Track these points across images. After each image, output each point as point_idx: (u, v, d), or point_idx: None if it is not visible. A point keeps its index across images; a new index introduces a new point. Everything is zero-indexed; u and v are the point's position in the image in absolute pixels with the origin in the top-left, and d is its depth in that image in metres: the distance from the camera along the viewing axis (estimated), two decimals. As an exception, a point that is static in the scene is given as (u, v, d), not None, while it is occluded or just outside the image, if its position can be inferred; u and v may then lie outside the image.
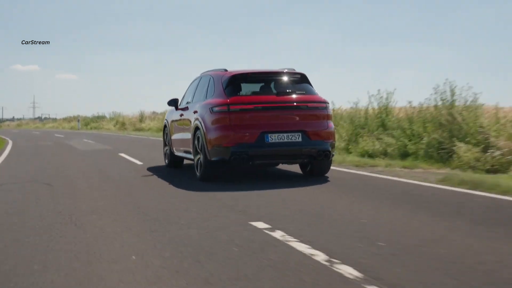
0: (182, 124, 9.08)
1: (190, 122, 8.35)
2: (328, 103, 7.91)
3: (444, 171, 9.03)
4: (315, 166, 8.01)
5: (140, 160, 11.57)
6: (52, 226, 4.84)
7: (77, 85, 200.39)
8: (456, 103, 10.94)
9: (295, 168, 9.17)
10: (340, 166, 9.68)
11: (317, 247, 3.88)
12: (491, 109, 11.17)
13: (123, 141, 21.07)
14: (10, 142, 21.65)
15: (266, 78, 8.18)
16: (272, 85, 8.10)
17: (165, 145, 10.52)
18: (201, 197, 6.36)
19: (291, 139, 7.35)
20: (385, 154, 11.45)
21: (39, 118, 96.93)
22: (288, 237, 4.20)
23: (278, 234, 4.31)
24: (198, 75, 9.49)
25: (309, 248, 3.86)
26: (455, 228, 4.50)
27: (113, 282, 3.24)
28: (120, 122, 39.71)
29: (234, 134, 7.25)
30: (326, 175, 8.19)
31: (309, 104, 7.64)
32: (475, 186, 6.68)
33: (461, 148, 9.57)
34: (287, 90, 7.78)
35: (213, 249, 3.91)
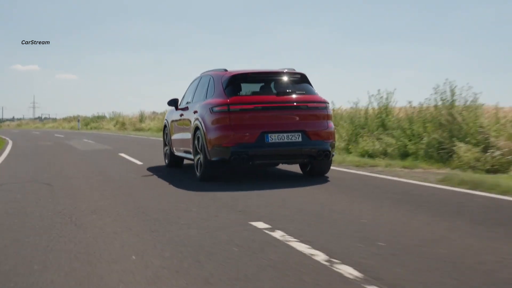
0: (182, 124, 9.06)
1: (190, 122, 8.34)
2: (328, 103, 7.91)
3: (444, 171, 9.02)
4: (315, 166, 8.01)
5: (140, 160, 11.57)
6: (52, 226, 4.84)
7: (77, 85, 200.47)
8: (456, 103, 10.94)
9: (295, 168, 9.17)
10: (340, 166, 9.68)
11: (317, 247, 3.88)
12: (491, 109, 11.17)
13: (123, 141, 21.08)
14: (10, 142, 21.65)
15: (266, 78, 8.17)
16: (272, 85, 8.10)
17: (165, 145, 10.51)
18: (201, 197, 6.36)
19: (291, 139, 7.34)
20: (385, 154, 11.45)
21: (39, 118, 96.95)
22: (288, 237, 4.20)
23: (278, 234, 4.31)
24: (198, 75, 9.49)
25: (309, 248, 3.86)
26: (455, 228, 4.50)
27: (113, 282, 3.24)
28: (120, 122, 39.72)
29: (234, 134, 7.26)
30: (326, 175, 8.19)
31: (309, 104, 7.64)
32: (475, 186, 6.68)
33: (461, 148, 9.57)
34: (287, 90, 7.78)
35: (213, 249, 3.91)
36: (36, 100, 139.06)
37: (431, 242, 4.03)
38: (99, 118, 49.18)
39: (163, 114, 33.43)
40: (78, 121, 48.64)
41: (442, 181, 7.33)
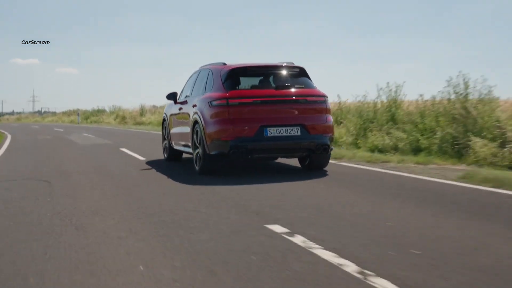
0: (181, 118, 9.00)
1: (189, 116, 8.28)
2: (327, 97, 7.83)
3: (460, 167, 8.65)
4: (314, 160, 7.96)
5: (142, 155, 11.18)
6: (51, 229, 4.45)
7: (77, 79, 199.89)
8: (470, 97, 10.55)
9: (294, 162, 8.78)
10: (351, 162, 9.29)
11: (344, 255, 3.49)
12: (503, 103, 10.78)
13: (123, 135, 20.67)
14: (9, 137, 21.25)
15: (265, 72, 8.12)
16: (271, 79, 8.04)
17: (164, 139, 10.37)
18: (209, 196, 5.96)
19: (290, 133, 7.31)
20: (395, 149, 11.05)
21: (39, 112, 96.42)
22: (310, 243, 3.81)
23: (298, 240, 3.92)
24: (197, 68, 9.35)
25: (336, 256, 3.47)
26: (494, 233, 4.10)
27: (119, 298, 2.85)
28: (121, 116, 39.26)
29: (233, 128, 7.21)
30: (340, 171, 7.83)
31: (308, 98, 7.60)
32: (500, 184, 6.28)
33: (477, 143, 9.18)
34: (286, 84, 7.72)
35: (229, 258, 3.52)
36: (36, 94, 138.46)
37: (471, 249, 3.64)
38: (99, 112, 48.69)
39: (163, 108, 32.89)
40: (78, 115, 48.14)
41: (463, 178, 6.94)
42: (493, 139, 9.21)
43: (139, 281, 3.10)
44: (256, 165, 8.91)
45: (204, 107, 7.62)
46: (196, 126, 7.80)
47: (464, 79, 10.60)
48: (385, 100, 13.11)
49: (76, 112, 51.99)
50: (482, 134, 9.42)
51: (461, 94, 10.62)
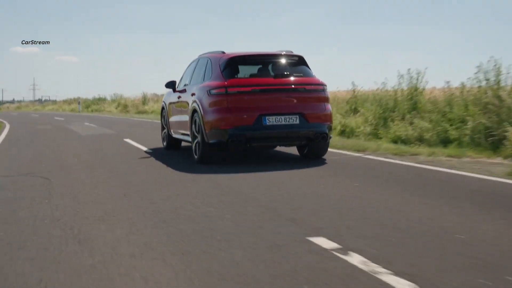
0: (180, 106, 8.96)
1: (188, 104, 8.24)
2: (326, 86, 7.82)
3: (497, 160, 7.90)
4: (312, 148, 7.96)
5: (148, 147, 10.40)
6: (48, 243, 3.67)
7: (78, 67, 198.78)
8: (502, 84, 9.74)
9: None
10: (377, 155, 8.49)
11: (423, 284, 2.71)
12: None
13: (126, 125, 19.86)
14: (7, 126, 20.45)
15: (264, 61, 8.10)
16: (270, 67, 8.03)
17: (163, 128, 10.32)
18: (232, 196, 5.18)
19: (288, 121, 7.30)
20: (420, 140, 10.25)
21: (39, 100, 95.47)
22: (373, 266, 3.03)
23: (356, 260, 3.15)
24: (196, 57, 9.25)
25: (415, 287, 2.69)
26: None
27: None
28: (122, 105, 38.36)
29: (232, 116, 7.19)
30: (370, 166, 7.08)
31: (307, 87, 7.59)
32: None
33: (515, 133, 8.39)
34: (285, 73, 7.68)
35: (275, 287, 2.75)
36: (36, 82, 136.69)
37: None
38: (100, 100, 47.71)
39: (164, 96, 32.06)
40: (79, 103, 47.15)
41: (511, 175, 6.17)
42: (532, 130, 8.43)
43: (163, 326, 2.33)
44: (264, 155, 8.34)
45: (203, 95, 7.57)
46: (195, 114, 7.74)
47: (495, 65, 9.80)
48: (405, 88, 12.32)
49: (76, 101, 50.98)
50: (520, 124, 8.64)
51: (492, 81, 9.83)
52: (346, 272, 2.95)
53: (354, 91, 14.66)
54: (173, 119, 9.48)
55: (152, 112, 30.76)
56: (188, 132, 8.19)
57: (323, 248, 3.40)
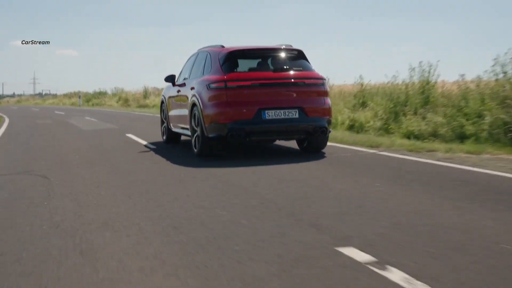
0: (179, 100, 8.95)
1: (187, 98, 8.22)
2: (325, 80, 7.85)
3: (517, 157, 7.50)
4: (312, 142, 7.93)
5: (152, 143, 10.00)
6: (46, 254, 3.29)
7: (78, 60, 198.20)
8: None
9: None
10: (392, 151, 8.09)
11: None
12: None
13: (128, 119, 19.45)
14: (7, 121, 20.04)
15: (263, 55, 8.10)
16: (269, 61, 8.03)
17: (162, 122, 10.28)
18: (245, 197, 4.79)
19: (288, 115, 7.29)
20: (434, 135, 9.84)
21: (40, 94, 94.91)
22: (417, 284, 2.65)
23: (397, 276, 2.76)
24: (195, 51, 9.23)
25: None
26: None
27: None
28: (123, 98, 37.91)
29: (231, 110, 7.18)
30: (388, 164, 6.69)
31: (306, 81, 7.57)
32: None
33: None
34: (284, 67, 7.67)
35: (309, 312, 2.36)
36: (36, 76, 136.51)
37: None
38: (101, 94, 47.21)
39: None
40: (79, 97, 46.66)
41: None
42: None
43: None
44: (271, 150, 7.97)
45: (202, 89, 7.55)
46: (194, 108, 7.71)
47: (513, 57, 9.40)
48: (416, 81, 11.91)
49: (77, 95, 50.47)
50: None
51: (511, 73, 9.43)
52: (389, 292, 2.57)
53: (362, 84, 14.24)
54: (172, 113, 9.44)
55: (153, 106, 30.32)
56: (188, 126, 8.15)
57: (356, 261, 3.01)
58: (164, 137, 10.11)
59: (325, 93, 7.71)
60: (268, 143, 9.19)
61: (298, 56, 7.94)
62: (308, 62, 7.95)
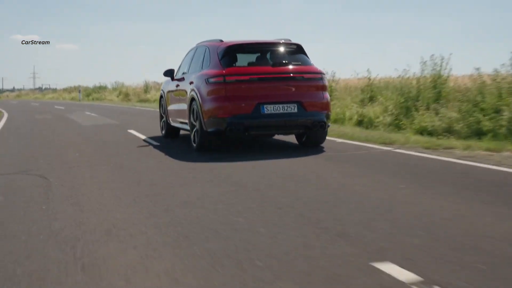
0: (178, 94, 8.89)
1: (186, 93, 8.17)
2: (324, 74, 7.80)
3: (539, 154, 7.12)
4: (310, 137, 7.90)
5: (154, 139, 9.62)
6: (44, 271, 2.90)
7: (78, 55, 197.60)
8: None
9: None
10: (408, 149, 7.70)
11: None
12: None
13: (129, 114, 19.06)
14: (5, 116, 19.64)
15: (262, 49, 8.12)
16: (268, 55, 8.03)
17: (161, 117, 10.22)
18: (260, 201, 4.40)
19: (287, 110, 7.27)
20: (448, 131, 9.44)
21: (39, 89, 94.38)
22: (476, 311, 2.26)
23: (450, 301, 2.38)
24: (194, 45, 9.19)
25: None
26: None
27: None
28: (124, 93, 37.45)
29: (230, 105, 7.15)
30: (408, 163, 6.32)
31: (305, 75, 7.54)
32: None
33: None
34: (283, 61, 7.64)
35: None
36: (36, 70, 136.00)
37: None
38: (101, 89, 46.72)
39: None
40: (79, 91, 46.16)
41: None
42: None
43: None
44: (277, 145, 7.49)
45: (201, 84, 7.51)
46: (193, 103, 7.66)
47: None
48: (427, 75, 11.50)
49: (77, 89, 49.92)
50: None
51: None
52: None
53: (369, 79, 13.83)
54: (171, 107, 9.38)
55: (154, 100, 29.89)
56: (187, 121, 8.11)
57: (399, 281, 2.63)
58: (163, 132, 10.04)
59: (324, 88, 7.69)
60: (267, 137, 9.11)
61: (297, 51, 7.90)
62: (307, 56, 7.91)
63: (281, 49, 7.92)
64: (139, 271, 2.86)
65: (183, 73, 8.93)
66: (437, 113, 10.17)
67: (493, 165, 6.16)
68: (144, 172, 6.21)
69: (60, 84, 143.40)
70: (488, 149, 7.53)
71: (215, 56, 7.68)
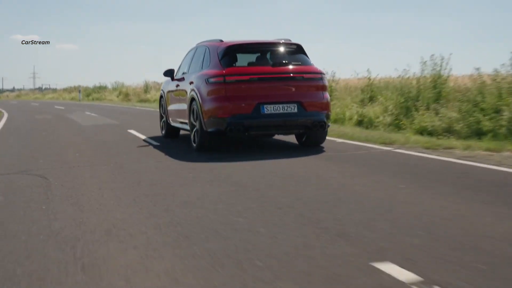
0: (178, 94, 8.89)
1: (186, 93, 8.17)
2: (324, 74, 7.79)
3: (539, 155, 7.12)
4: (310, 137, 7.90)
5: (154, 139, 9.62)
6: (44, 271, 2.90)
7: (78, 55, 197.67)
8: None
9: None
10: (408, 149, 7.71)
11: None
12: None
13: (129, 114, 19.06)
14: (5, 116, 19.65)
15: (262, 49, 8.12)
16: (268, 55, 8.03)
17: (161, 117, 10.21)
18: (260, 201, 4.40)
19: (286, 110, 7.26)
20: (448, 131, 9.45)
21: (39, 89, 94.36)
22: (476, 311, 2.26)
23: (450, 301, 2.38)
24: (194, 45, 9.20)
25: None
26: None
27: None
28: (124, 93, 37.47)
29: (230, 105, 7.15)
30: (408, 163, 6.32)
31: (305, 75, 7.53)
32: None
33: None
34: (283, 61, 7.64)
35: None
36: (36, 70, 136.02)
37: None
38: (101, 89, 46.73)
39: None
40: (79, 91, 46.15)
41: None
42: None
43: None
44: (277, 145, 7.51)
45: (201, 84, 7.51)
46: (193, 103, 7.66)
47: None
48: (427, 76, 11.50)
49: (77, 89, 49.91)
50: None
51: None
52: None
53: (369, 79, 13.83)
54: (171, 107, 9.37)
55: (154, 100, 29.90)
56: (187, 121, 8.10)
57: (399, 281, 2.63)
58: (163, 132, 10.04)
59: (324, 88, 7.68)
60: (267, 137, 9.10)
61: (297, 51, 7.90)
62: (307, 56, 7.90)
63: (281, 49, 7.93)
64: (139, 271, 2.86)
65: (183, 73, 8.93)
66: (437, 113, 10.18)
67: (493, 165, 6.16)
68: (144, 172, 6.21)
69: (60, 84, 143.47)
70: (488, 149, 7.54)
71: (215, 56, 7.68)
